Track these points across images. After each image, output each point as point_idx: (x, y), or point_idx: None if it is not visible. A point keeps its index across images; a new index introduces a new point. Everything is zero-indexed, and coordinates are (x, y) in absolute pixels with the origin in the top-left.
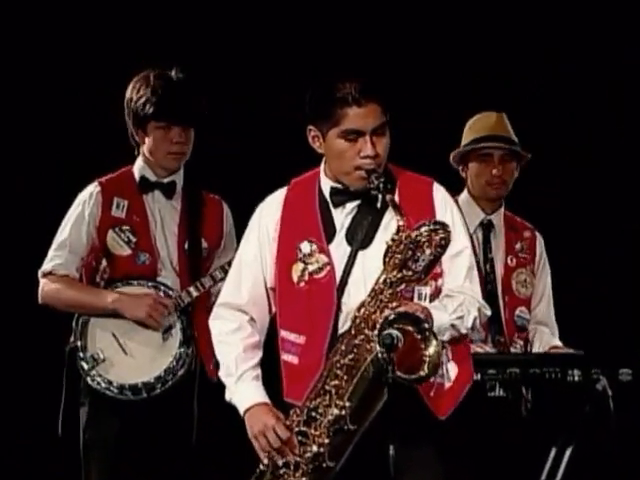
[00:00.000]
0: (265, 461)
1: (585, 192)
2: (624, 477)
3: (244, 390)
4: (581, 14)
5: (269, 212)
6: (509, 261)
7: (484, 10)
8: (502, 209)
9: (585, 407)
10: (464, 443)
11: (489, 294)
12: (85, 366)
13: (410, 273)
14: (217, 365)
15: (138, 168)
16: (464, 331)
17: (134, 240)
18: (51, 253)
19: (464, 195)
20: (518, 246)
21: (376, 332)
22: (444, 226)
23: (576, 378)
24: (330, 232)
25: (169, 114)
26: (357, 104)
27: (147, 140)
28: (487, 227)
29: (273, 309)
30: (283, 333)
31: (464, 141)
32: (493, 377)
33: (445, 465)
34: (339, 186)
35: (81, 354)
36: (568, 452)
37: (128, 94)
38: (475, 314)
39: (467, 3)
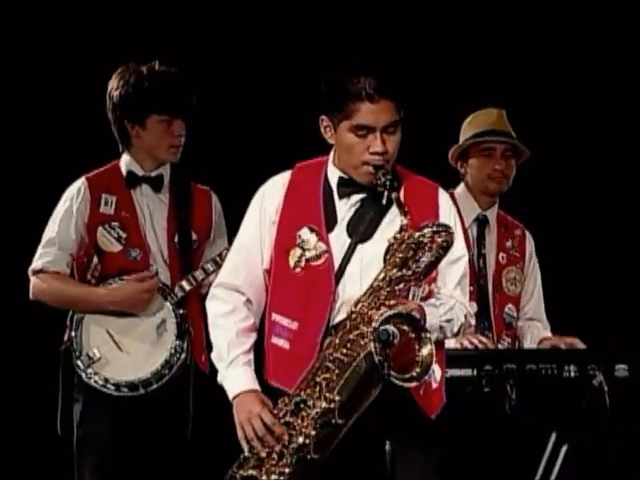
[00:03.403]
0: (247, 450)
1: (584, 192)
2: (621, 473)
3: (234, 376)
4: (581, 14)
5: (271, 195)
6: (500, 258)
7: (483, 9)
8: (496, 206)
9: (581, 403)
10: (456, 438)
11: (481, 290)
12: (81, 365)
13: (410, 272)
14: (211, 348)
15: (125, 163)
16: (449, 335)
17: (124, 236)
18: (40, 250)
19: (461, 189)
20: (509, 244)
21: (371, 328)
22: (447, 228)
23: (572, 374)
24: (331, 222)
25: (173, 107)
26: (370, 100)
27: (143, 134)
28: (482, 223)
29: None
30: (275, 316)
31: (464, 136)
32: (489, 373)
33: (438, 462)
34: (347, 177)
35: (76, 353)
36: (564, 448)
37: (115, 88)
38: (462, 320)
39: (466, 3)
